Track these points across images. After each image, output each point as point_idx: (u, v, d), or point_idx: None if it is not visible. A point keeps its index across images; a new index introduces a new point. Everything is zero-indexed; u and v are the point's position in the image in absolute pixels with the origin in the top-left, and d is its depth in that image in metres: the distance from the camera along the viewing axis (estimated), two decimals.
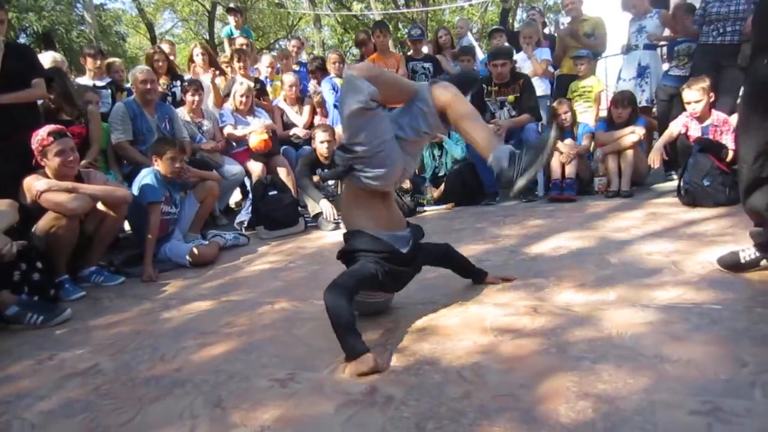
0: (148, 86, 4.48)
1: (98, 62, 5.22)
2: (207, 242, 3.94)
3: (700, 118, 4.13)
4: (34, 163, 3.15)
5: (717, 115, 4.08)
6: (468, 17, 18.47)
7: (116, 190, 3.41)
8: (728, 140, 3.91)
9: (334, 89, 5.97)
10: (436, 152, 5.25)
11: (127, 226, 4.19)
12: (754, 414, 1.32)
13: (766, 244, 2.22)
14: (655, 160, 4.37)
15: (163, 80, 5.35)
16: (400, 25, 18.79)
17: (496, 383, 1.63)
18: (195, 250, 3.65)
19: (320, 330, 2.26)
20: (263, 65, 6.41)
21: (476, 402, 1.53)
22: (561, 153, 4.79)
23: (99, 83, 5.15)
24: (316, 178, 4.70)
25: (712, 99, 4.15)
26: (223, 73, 5.88)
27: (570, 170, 4.78)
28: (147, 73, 4.53)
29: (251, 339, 2.22)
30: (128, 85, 5.28)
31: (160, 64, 5.38)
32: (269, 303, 2.68)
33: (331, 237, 4.22)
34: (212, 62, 5.86)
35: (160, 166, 3.76)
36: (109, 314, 2.78)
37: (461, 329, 2.04)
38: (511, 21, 13.37)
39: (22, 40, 14.42)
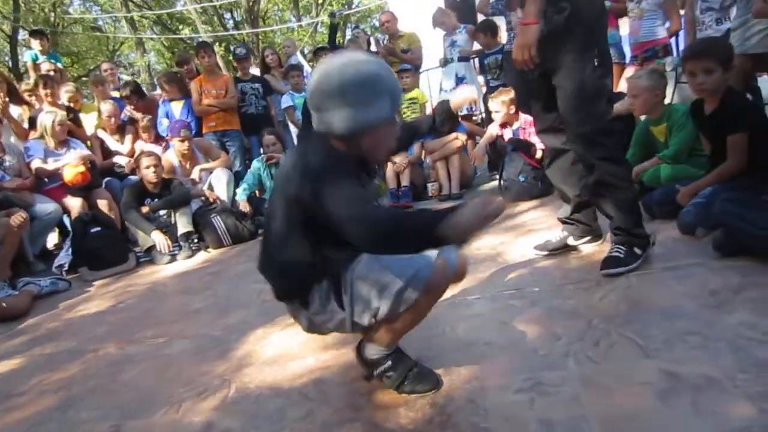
0: None
1: None
2: (17, 292, 3.44)
3: (509, 122, 4.54)
4: None
5: (524, 117, 4.51)
6: (299, 38, 18.63)
7: None
8: (536, 139, 4.34)
9: (167, 116, 5.60)
10: (274, 172, 5.14)
11: None
12: (568, 382, 1.44)
13: (568, 219, 2.49)
14: (476, 158, 4.72)
15: None
16: (231, 47, 18.39)
17: (338, 397, 1.60)
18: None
19: (151, 371, 2.07)
20: (63, 97, 5.55)
21: (319, 419, 1.50)
22: (395, 163, 4.98)
23: None
24: (145, 209, 4.33)
25: (512, 110, 4.52)
26: (24, 102, 5.22)
27: (405, 179, 4.98)
28: None
29: (69, 394, 1.96)
30: None
31: None
32: (92, 350, 2.40)
33: (167, 270, 3.91)
34: (11, 91, 5.17)
35: None
36: None
37: (303, 349, 1.98)
38: (341, 40, 13.74)
39: None
